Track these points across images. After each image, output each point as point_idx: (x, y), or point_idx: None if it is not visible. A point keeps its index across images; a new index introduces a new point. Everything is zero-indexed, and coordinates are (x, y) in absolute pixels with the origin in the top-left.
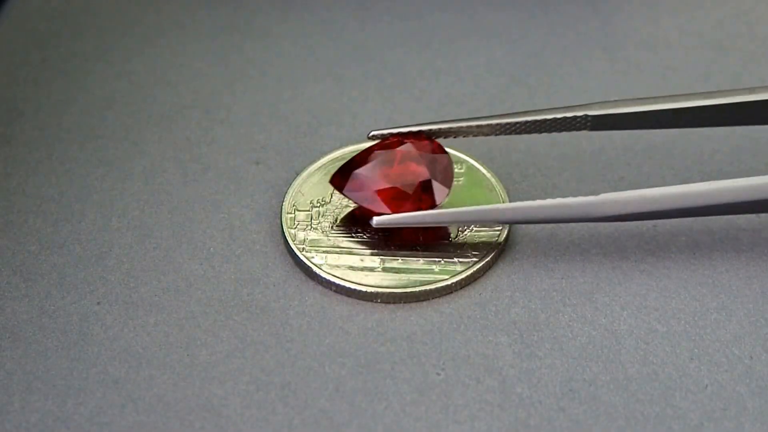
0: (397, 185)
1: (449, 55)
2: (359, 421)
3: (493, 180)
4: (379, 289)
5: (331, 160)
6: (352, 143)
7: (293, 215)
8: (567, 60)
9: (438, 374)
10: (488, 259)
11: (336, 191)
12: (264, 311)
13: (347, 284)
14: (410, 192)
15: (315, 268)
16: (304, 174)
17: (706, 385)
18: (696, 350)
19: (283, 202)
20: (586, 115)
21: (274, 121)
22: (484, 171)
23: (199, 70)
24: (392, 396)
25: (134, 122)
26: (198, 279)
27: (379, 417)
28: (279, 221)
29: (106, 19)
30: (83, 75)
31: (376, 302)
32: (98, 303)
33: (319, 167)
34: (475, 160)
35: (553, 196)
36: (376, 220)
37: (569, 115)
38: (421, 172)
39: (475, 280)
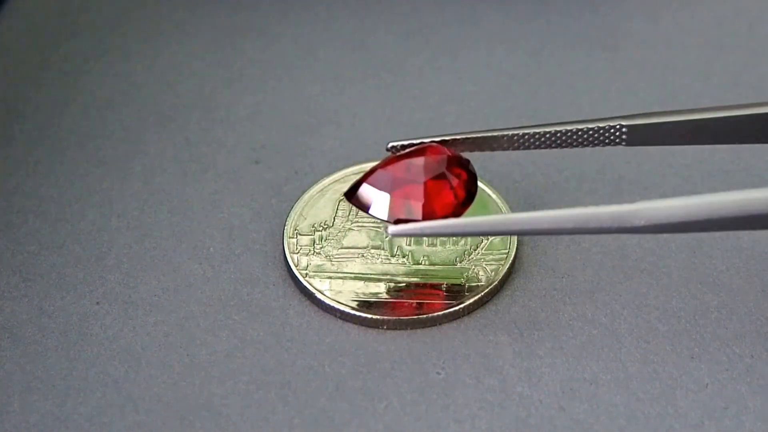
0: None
1: (449, 55)
2: (359, 420)
3: (499, 202)
4: (385, 316)
5: (332, 181)
6: (352, 157)
7: (295, 240)
8: (567, 60)
9: (438, 373)
10: (495, 283)
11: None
12: (264, 311)
13: (352, 311)
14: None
15: (318, 294)
16: (306, 197)
17: (707, 384)
18: (696, 349)
19: (284, 226)
20: (621, 126)
21: (274, 121)
22: (490, 192)
23: (199, 70)
24: (392, 395)
25: (134, 122)
26: (198, 279)
27: (379, 416)
28: (280, 237)
29: (106, 19)
30: (83, 75)
31: (383, 329)
32: (97, 303)
33: (321, 190)
34: (481, 181)
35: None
36: (391, 230)
37: (602, 125)
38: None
39: (484, 304)
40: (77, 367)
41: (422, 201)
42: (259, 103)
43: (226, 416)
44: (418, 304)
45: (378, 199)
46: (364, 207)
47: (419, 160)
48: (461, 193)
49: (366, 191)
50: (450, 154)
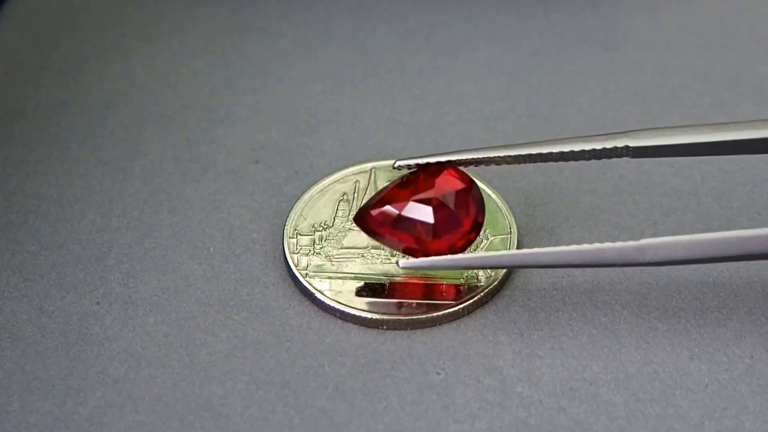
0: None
1: (449, 55)
2: (359, 420)
3: (499, 202)
4: (385, 316)
5: (332, 182)
6: (352, 157)
7: (295, 240)
8: (567, 60)
9: (438, 373)
10: (495, 283)
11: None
12: (264, 311)
13: (352, 311)
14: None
15: (318, 294)
16: (306, 197)
17: (707, 384)
18: (696, 349)
19: (284, 226)
20: (627, 147)
21: (274, 121)
22: (490, 192)
23: (199, 70)
24: (392, 395)
25: (134, 122)
26: (198, 279)
27: (379, 416)
28: (280, 237)
29: (106, 19)
30: (83, 75)
31: (383, 329)
32: (97, 303)
33: (321, 190)
34: (480, 180)
35: (563, 219)
36: (402, 263)
37: (608, 146)
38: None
39: (483, 304)
40: (77, 367)
41: (431, 239)
42: (259, 103)
43: (226, 416)
44: (418, 304)
45: (387, 233)
46: (373, 236)
47: (427, 202)
48: (468, 225)
49: (375, 223)
50: (459, 186)
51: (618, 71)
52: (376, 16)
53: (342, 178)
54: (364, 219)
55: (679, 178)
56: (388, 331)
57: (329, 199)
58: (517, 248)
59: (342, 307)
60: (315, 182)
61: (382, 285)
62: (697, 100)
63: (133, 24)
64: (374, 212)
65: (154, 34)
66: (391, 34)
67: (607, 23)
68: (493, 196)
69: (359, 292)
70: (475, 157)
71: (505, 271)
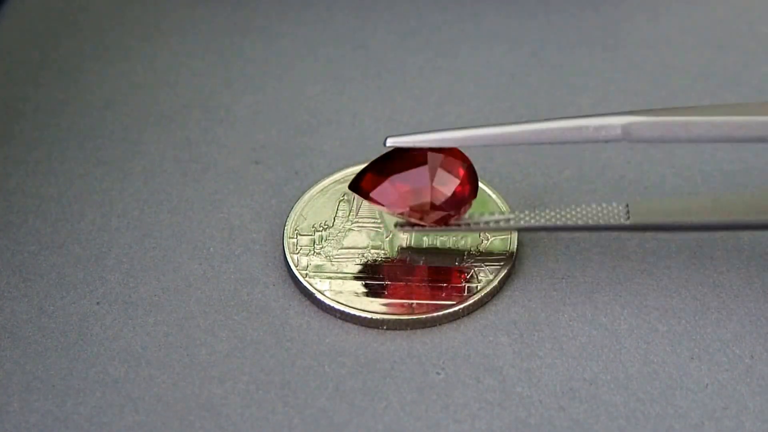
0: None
1: (449, 55)
2: (359, 420)
3: (499, 202)
4: (385, 316)
5: (332, 182)
6: (352, 157)
7: (295, 240)
8: (567, 59)
9: (438, 374)
10: (495, 283)
11: (357, 197)
12: (264, 311)
13: (352, 311)
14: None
15: (318, 294)
16: (306, 197)
17: (707, 385)
18: (696, 349)
19: (284, 226)
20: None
21: (274, 121)
22: (490, 192)
23: (199, 70)
24: (392, 395)
25: (134, 122)
26: (198, 279)
27: (379, 417)
28: (280, 237)
29: (106, 19)
30: (83, 75)
31: (383, 329)
32: (97, 303)
33: (321, 190)
34: (480, 181)
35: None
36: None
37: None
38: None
39: (483, 305)
40: (77, 367)
41: (427, 225)
42: (259, 103)
43: (226, 416)
44: (418, 304)
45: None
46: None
47: (424, 209)
48: (464, 209)
49: (372, 204)
50: (454, 184)
51: (618, 71)
52: (376, 16)
53: (342, 178)
54: (359, 191)
55: (680, 179)
56: (388, 331)
57: (329, 199)
58: (517, 248)
59: (342, 307)
60: (315, 182)
61: (383, 285)
62: (697, 100)
63: (133, 24)
64: (372, 193)
65: (154, 34)
66: (391, 34)
67: (607, 23)
68: (493, 196)
69: (359, 267)
70: (467, 135)
71: (505, 271)
